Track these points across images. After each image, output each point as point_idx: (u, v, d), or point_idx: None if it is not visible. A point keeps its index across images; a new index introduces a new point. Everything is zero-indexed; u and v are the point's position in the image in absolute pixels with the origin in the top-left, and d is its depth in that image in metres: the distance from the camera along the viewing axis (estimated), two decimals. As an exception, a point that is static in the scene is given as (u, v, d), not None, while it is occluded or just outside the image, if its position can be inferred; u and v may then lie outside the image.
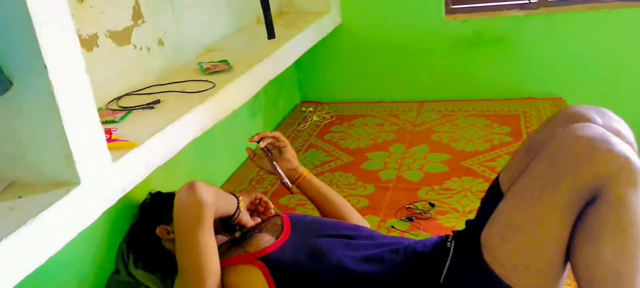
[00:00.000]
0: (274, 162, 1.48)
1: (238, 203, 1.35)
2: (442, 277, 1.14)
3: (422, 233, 1.67)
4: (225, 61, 1.73)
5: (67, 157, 0.94)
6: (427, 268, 1.18)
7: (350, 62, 2.85)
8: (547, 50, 2.58)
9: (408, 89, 2.82)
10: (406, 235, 1.67)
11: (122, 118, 1.31)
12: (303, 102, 2.98)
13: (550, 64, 2.60)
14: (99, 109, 1.40)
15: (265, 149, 1.50)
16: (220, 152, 2.16)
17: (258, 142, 1.47)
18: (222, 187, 2.09)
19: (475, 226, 1.21)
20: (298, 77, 2.93)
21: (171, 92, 1.49)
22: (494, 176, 2.03)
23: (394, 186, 2.00)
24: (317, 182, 1.54)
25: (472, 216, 1.69)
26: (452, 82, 2.75)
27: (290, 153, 1.52)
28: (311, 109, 2.83)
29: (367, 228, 1.44)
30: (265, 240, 1.28)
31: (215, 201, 1.23)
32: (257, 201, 1.50)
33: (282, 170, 1.48)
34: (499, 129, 2.39)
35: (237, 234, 1.37)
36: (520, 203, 0.98)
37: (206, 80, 1.56)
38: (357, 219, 1.55)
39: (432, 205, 1.82)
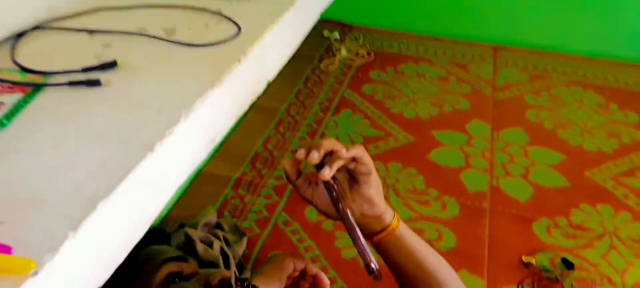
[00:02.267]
0: (348, 212, 0.75)
1: None
2: None
3: (572, 335, 1.02)
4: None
5: None
6: None
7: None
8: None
9: (478, 24, 2.06)
10: (542, 333, 1.02)
11: (13, 112, 0.53)
12: (323, 21, 2.17)
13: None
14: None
15: (331, 182, 0.77)
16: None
17: (319, 166, 0.73)
18: (201, 173, 1.35)
19: None
20: (319, -20, 2.09)
21: (143, 36, 0.69)
22: None
23: (491, 208, 1.32)
24: (413, 241, 0.82)
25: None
26: (542, 23, 2.02)
27: (375, 187, 0.77)
28: (337, 35, 2.03)
29: None
30: None
31: None
32: (298, 274, 0.80)
33: (357, 223, 0.76)
34: (621, 115, 1.72)
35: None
36: None
37: (218, 13, 0.76)
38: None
39: (570, 265, 1.16)
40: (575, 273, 1.15)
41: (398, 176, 1.40)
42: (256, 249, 1.16)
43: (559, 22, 1.98)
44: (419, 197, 1.34)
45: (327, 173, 0.72)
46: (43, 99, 0.56)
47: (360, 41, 1.98)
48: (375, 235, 0.79)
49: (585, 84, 1.86)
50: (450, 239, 1.22)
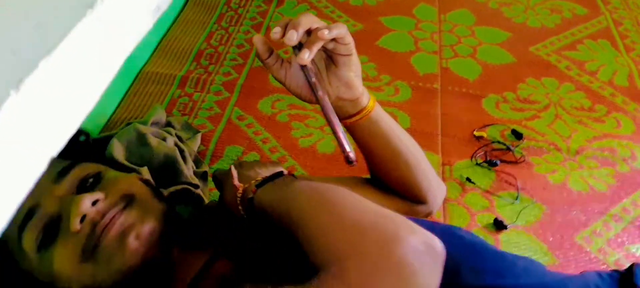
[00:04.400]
0: (321, 93, 0.70)
1: None
2: None
3: (523, 198, 1.07)
4: None
5: None
6: None
7: None
8: None
9: None
10: (496, 198, 1.06)
11: None
12: None
13: None
14: None
15: (310, 67, 0.70)
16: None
17: (297, 47, 0.66)
18: (142, 72, 1.29)
19: None
20: None
21: None
22: (585, 78, 1.39)
23: (442, 88, 1.34)
24: (388, 124, 0.79)
25: (586, 162, 1.11)
26: None
27: (355, 69, 0.71)
28: None
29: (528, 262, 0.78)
30: None
31: None
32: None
33: (333, 106, 0.71)
34: (563, -9, 1.75)
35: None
36: None
37: None
38: (436, 185, 0.90)
39: (519, 135, 1.20)
40: (524, 142, 1.19)
41: (349, 64, 1.37)
42: (211, 145, 1.14)
43: None
44: (371, 83, 1.33)
45: (307, 56, 0.64)
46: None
47: None
48: (350, 117, 0.75)
49: (528, -37, 1.86)
50: (404, 120, 1.23)
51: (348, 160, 0.67)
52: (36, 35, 0.42)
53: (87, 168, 0.67)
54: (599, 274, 0.75)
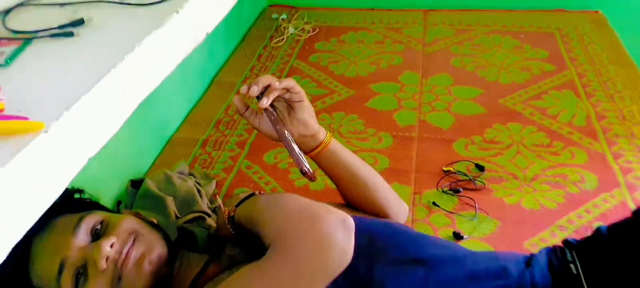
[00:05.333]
0: (284, 131, 0.94)
1: None
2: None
3: (481, 216, 1.25)
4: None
5: None
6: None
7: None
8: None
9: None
10: (457, 216, 1.24)
11: (12, 56, 0.73)
12: (271, 5, 2.38)
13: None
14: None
15: (270, 110, 0.95)
16: (168, 87, 1.59)
17: (258, 97, 0.92)
18: (173, 137, 1.55)
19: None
20: (264, -29, 2.31)
21: (101, 2, 0.90)
22: (546, 121, 1.66)
23: (419, 136, 1.55)
24: (344, 154, 1.01)
25: (540, 187, 1.27)
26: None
27: (308, 111, 0.96)
28: (284, 16, 2.25)
29: (445, 242, 0.97)
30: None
31: None
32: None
33: (296, 141, 0.95)
34: (533, 52, 1.96)
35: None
36: None
37: (161, -17, 0.97)
38: (395, 203, 1.09)
39: (481, 168, 1.39)
40: (486, 174, 1.37)
41: (342, 122, 1.61)
42: (224, 188, 1.37)
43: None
44: (359, 135, 1.56)
45: (265, 101, 0.89)
46: (32, 48, 0.76)
47: (305, 19, 2.19)
48: (312, 150, 0.98)
49: (503, 31, 2.10)
50: (384, 162, 1.43)
51: (302, 172, 0.89)
52: (79, 83, 0.68)
53: (92, 218, 0.84)
54: (515, 254, 0.92)
